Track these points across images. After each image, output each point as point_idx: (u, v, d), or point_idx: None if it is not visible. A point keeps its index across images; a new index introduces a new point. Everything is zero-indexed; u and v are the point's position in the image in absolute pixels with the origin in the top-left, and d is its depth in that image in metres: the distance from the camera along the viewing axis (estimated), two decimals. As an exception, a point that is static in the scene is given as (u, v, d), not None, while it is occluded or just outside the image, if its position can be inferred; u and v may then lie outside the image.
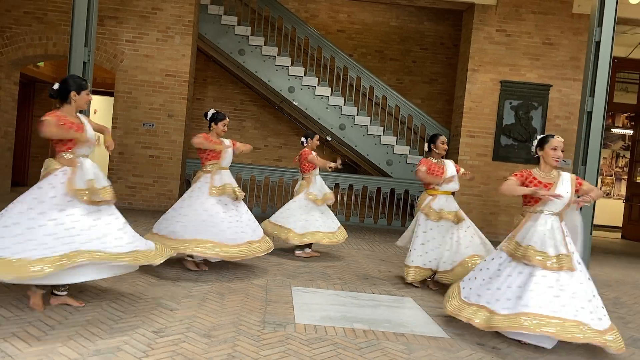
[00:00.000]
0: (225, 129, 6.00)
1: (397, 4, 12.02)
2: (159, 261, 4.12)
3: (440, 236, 5.78)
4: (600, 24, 8.29)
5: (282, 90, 11.32)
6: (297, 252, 7.18)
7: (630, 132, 15.29)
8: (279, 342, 3.76)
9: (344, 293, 5.38)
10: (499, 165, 10.82)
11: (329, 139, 11.66)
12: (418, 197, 10.75)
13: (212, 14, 11.17)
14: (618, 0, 8.20)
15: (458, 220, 5.83)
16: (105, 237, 3.84)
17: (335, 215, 7.89)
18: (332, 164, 7.30)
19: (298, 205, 7.07)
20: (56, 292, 4.09)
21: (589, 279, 4.25)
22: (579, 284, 4.13)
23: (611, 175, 17.32)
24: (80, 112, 4.36)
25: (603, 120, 8.32)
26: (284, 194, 10.80)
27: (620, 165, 17.28)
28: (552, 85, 10.79)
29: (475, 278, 4.44)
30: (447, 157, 6.11)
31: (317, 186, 7.19)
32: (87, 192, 3.91)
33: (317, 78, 11.38)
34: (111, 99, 11.05)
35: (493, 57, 10.78)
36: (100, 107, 15.35)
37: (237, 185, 5.96)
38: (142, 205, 10.53)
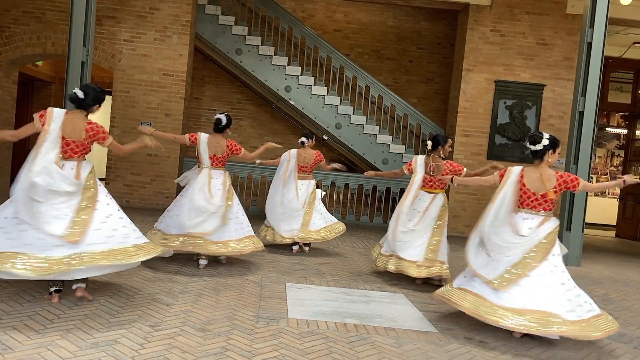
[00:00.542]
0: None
1: (394, 4, 12.13)
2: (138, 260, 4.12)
3: None
4: (592, 25, 8.41)
5: (278, 89, 11.42)
6: (295, 247, 7.37)
7: (625, 131, 15.41)
8: (272, 336, 3.87)
9: (336, 289, 5.49)
10: (494, 164, 10.91)
11: (325, 138, 11.78)
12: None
13: (209, 14, 11.27)
14: (610, 1, 8.32)
15: None
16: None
17: (332, 213, 8.03)
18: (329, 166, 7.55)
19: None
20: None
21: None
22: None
23: (606, 174, 17.44)
24: None
25: (595, 120, 8.45)
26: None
27: (614, 164, 17.39)
28: (545, 85, 10.91)
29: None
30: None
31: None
32: None
33: (313, 77, 11.48)
34: (109, 98, 11.14)
35: (488, 57, 10.90)
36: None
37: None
38: (139, 204, 10.63)
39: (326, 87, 11.50)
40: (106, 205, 4.23)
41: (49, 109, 4.22)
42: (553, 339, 4.31)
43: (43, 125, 4.11)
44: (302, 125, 12.11)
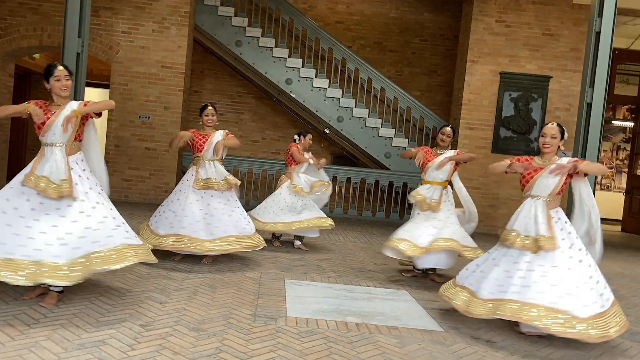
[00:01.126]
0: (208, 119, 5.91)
1: (396, -6, 11.91)
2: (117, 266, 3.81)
3: None
4: (600, 14, 8.17)
5: (279, 82, 11.22)
6: (297, 242, 7.22)
7: (631, 124, 15.17)
8: (269, 336, 3.69)
9: (337, 286, 5.31)
10: (498, 158, 10.58)
11: (327, 132, 11.58)
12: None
13: (208, 5, 11.06)
14: (619, -11, 8.11)
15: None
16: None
17: (334, 208, 7.84)
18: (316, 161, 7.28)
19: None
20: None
21: (589, 265, 4.14)
22: (567, 270, 4.05)
23: (611, 168, 17.22)
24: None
25: (603, 112, 8.22)
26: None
27: (620, 158, 17.18)
28: (552, 77, 10.68)
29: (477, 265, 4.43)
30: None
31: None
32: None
33: (315, 70, 11.28)
34: (107, 91, 10.96)
35: (492, 48, 10.68)
36: (97, 99, 15.28)
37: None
38: (138, 199, 10.46)
39: (328, 80, 11.30)
40: None
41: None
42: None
43: None
44: (304, 119, 11.92)
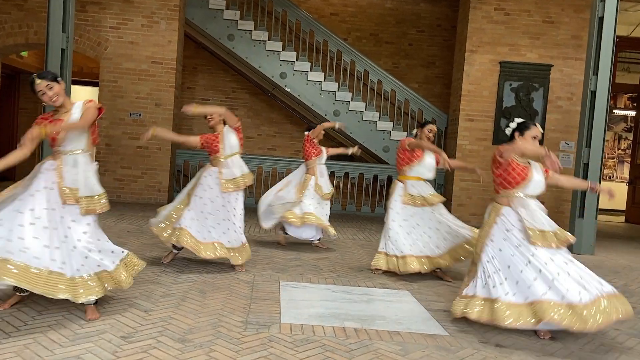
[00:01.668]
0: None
1: (392, -16, 11.62)
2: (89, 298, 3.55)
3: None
4: (603, -1, 7.91)
5: (273, 76, 10.93)
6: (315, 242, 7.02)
7: (633, 113, 14.91)
8: (261, 346, 3.42)
9: (335, 287, 5.03)
10: (500, 150, 10.43)
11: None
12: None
13: (199, -2, 10.76)
14: (622, -27, 7.83)
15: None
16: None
17: (332, 204, 7.58)
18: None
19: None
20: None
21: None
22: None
23: (613, 158, 16.97)
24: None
25: (608, 100, 7.97)
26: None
27: (622, 148, 16.92)
28: (553, 65, 10.40)
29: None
30: (446, 142, 5.77)
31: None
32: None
33: (309, 63, 10.99)
34: (97, 89, 10.67)
35: (492, 37, 10.39)
36: (88, 98, 14.98)
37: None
38: (131, 198, 10.18)
39: (323, 73, 11.01)
40: None
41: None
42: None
43: None
44: (300, 114, 11.64)
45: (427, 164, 5.59)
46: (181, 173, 10.78)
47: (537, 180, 4.10)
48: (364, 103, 11.04)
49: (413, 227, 5.55)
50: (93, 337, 3.32)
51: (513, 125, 4.23)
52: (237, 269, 5.38)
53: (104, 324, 3.58)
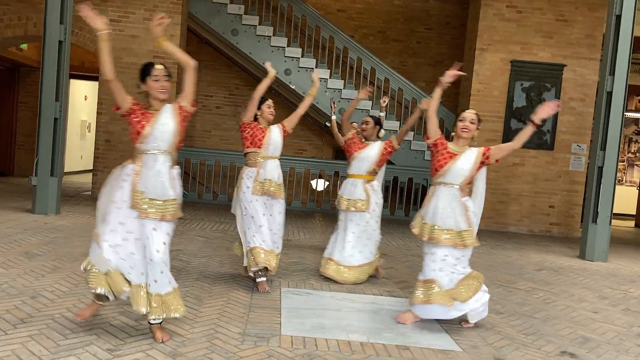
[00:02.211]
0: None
1: (400, -20, 11.33)
2: None
3: None
4: (621, -4, 7.63)
5: (278, 73, 10.63)
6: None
7: (644, 115, 14.60)
8: (259, 361, 3.16)
9: (340, 295, 4.77)
10: (509, 151, 10.14)
11: (329, 125, 11.02)
12: (422, 185, 10.15)
13: (202, -9, 10.49)
14: (640, -31, 7.55)
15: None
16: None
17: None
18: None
19: None
20: None
21: None
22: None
23: (623, 161, 16.64)
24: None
25: (624, 101, 7.69)
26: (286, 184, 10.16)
27: (632, 151, 16.60)
28: (566, 65, 10.10)
29: None
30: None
31: None
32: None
33: (315, 60, 10.72)
34: (95, 83, 10.44)
35: (503, 35, 10.09)
36: (90, 93, 14.75)
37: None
38: (130, 196, 9.91)
39: (329, 70, 10.73)
40: None
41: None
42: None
43: None
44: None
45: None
46: (182, 170, 10.51)
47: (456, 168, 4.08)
48: (371, 102, 10.77)
49: None
50: (76, 350, 3.06)
51: None
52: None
53: (89, 335, 3.31)
